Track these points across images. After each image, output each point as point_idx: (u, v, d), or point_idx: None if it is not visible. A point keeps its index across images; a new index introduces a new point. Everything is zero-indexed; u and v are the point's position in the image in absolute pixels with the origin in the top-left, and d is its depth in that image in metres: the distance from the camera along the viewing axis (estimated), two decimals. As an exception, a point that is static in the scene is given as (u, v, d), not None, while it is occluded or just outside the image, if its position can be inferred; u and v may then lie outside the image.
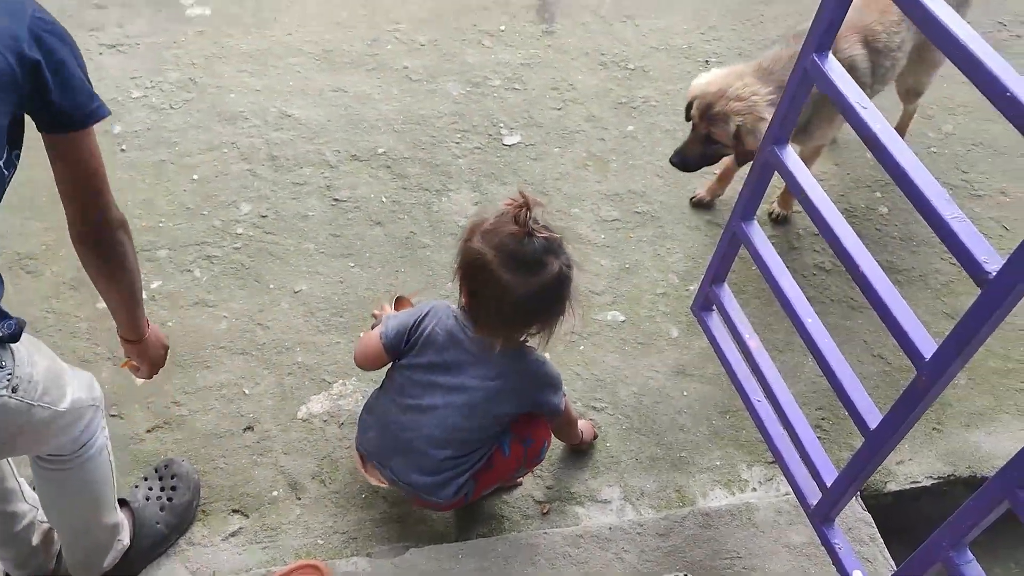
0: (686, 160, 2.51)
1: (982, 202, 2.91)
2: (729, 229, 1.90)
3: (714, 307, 2.13)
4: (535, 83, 3.17)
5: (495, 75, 3.19)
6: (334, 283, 2.54)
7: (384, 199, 2.77)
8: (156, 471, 2.06)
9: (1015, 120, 1.14)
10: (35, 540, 1.81)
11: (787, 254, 2.72)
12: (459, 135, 2.98)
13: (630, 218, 2.79)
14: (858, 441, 1.84)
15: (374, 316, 2.14)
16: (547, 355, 1.88)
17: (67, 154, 1.33)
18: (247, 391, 2.29)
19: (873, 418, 1.53)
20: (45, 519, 1.82)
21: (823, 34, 1.44)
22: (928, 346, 1.35)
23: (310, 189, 2.77)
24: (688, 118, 2.49)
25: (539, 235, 1.65)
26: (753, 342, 1.91)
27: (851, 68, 2.26)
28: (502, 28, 3.37)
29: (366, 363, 1.95)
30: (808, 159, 2.63)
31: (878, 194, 2.90)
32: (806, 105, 2.35)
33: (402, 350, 1.88)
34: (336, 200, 2.75)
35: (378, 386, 2.00)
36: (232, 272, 2.54)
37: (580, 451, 2.22)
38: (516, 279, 1.65)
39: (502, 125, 3.02)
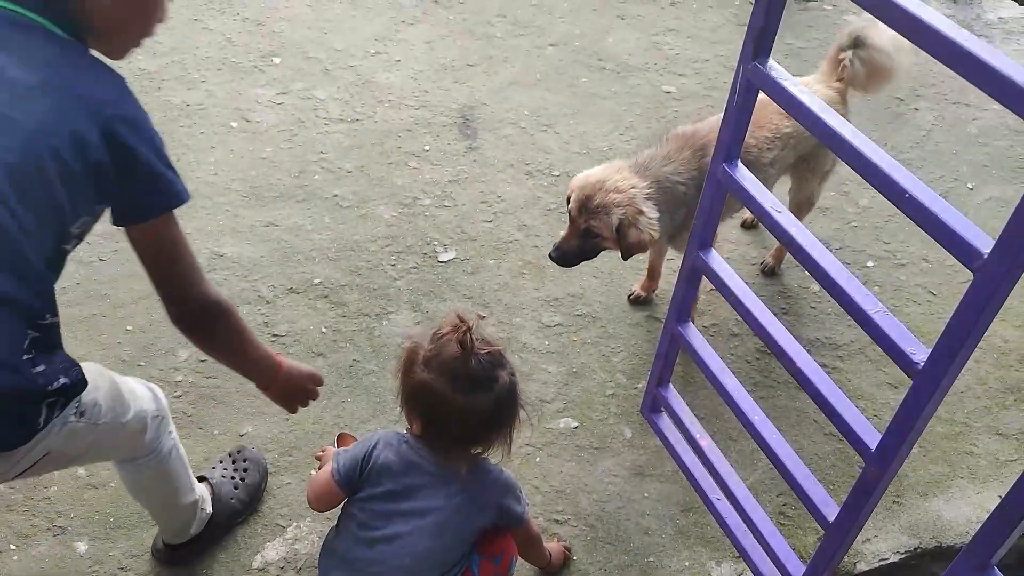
0: (564, 253, 2.45)
1: (906, 270, 3.01)
2: (667, 332, 1.93)
3: (663, 408, 2.14)
4: (464, 198, 3.23)
5: (424, 194, 3.24)
6: (280, 421, 2.49)
7: (324, 329, 2.75)
8: (230, 455, 2.31)
9: (914, 219, 1.19)
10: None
11: (728, 341, 2.76)
12: (394, 257, 3.00)
13: (572, 321, 2.81)
14: (821, 529, 1.84)
15: (317, 459, 2.10)
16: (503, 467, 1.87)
17: (138, 242, 1.44)
18: (198, 547, 2.20)
19: (831, 511, 1.54)
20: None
21: (730, 145, 1.50)
22: (872, 437, 1.37)
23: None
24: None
25: (482, 352, 1.65)
26: (704, 441, 1.91)
27: None
28: (427, 148, 3.45)
29: (320, 504, 1.90)
30: None
31: (807, 272, 2.98)
32: (680, 204, 2.40)
33: (356, 483, 1.84)
34: (275, 336, 2.72)
35: (334, 526, 1.94)
36: (174, 422, 2.46)
37: (550, 574, 2.18)
38: (472, 400, 1.65)
39: (436, 243, 3.05)
